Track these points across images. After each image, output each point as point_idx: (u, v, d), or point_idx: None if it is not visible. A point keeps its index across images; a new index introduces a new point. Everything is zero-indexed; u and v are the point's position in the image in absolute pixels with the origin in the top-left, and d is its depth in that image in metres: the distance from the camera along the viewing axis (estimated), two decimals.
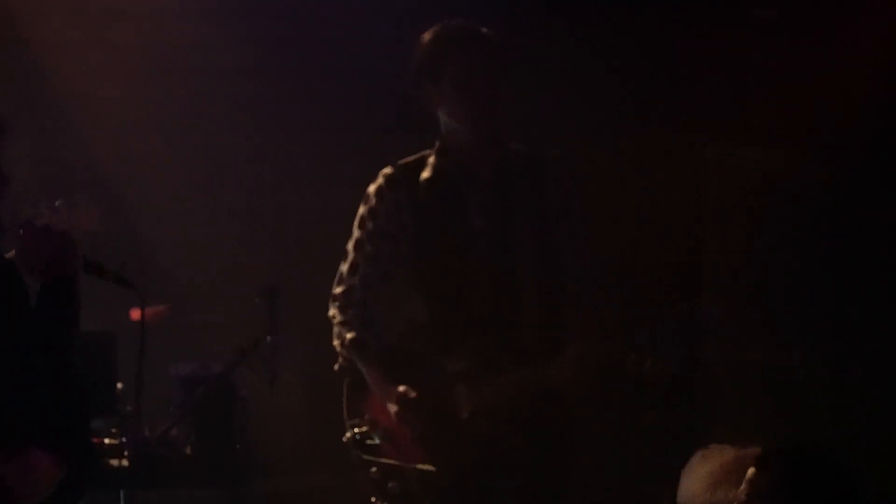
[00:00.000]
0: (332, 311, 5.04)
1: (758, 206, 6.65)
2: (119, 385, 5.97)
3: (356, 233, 5.01)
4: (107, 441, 5.88)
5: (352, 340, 4.96)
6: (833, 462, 3.06)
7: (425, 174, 4.93)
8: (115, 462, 5.81)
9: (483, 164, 4.90)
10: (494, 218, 4.91)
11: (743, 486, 3.02)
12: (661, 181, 6.61)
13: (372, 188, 4.97)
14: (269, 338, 5.64)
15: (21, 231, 3.75)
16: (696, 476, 3.17)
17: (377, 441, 4.90)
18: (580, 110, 6.52)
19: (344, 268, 5.03)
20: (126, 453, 5.81)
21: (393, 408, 4.85)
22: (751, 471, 3.03)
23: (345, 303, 5.01)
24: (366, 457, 4.88)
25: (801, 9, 6.58)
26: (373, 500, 4.86)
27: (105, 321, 5.82)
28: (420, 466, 4.80)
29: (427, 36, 4.93)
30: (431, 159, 4.95)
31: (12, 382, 3.51)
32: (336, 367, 5.06)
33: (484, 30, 4.92)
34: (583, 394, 4.87)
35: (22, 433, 3.51)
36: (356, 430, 4.91)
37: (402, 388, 4.83)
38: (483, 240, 4.90)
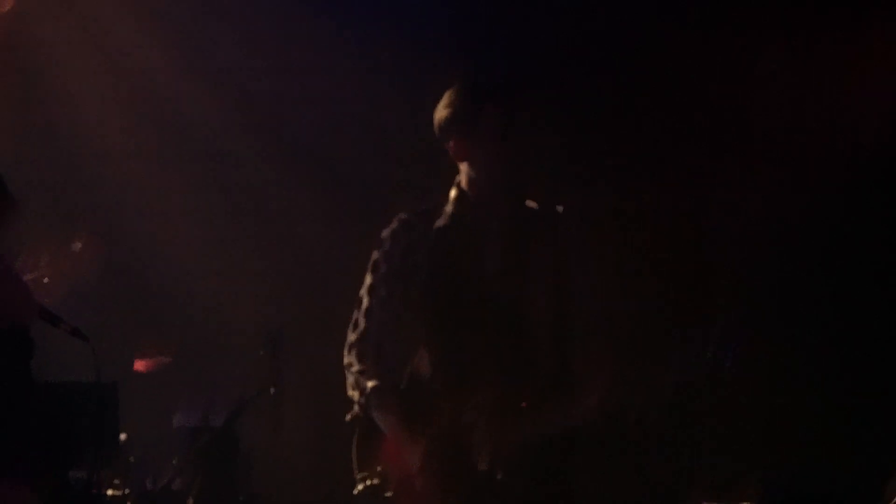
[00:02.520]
0: (349, 360, 4.98)
1: (761, 253, 6.69)
2: (122, 436, 6.01)
3: (369, 278, 4.97)
4: (109, 492, 5.90)
5: (374, 389, 4.87)
6: None
7: (441, 220, 4.93)
8: None
9: (499, 214, 4.91)
10: (509, 264, 4.89)
11: None
12: (668, 230, 6.69)
13: (386, 232, 4.95)
14: (272, 388, 5.57)
15: None
16: None
17: (389, 493, 4.81)
18: (589, 162, 6.61)
19: (358, 315, 4.98)
20: None
21: (414, 459, 4.78)
22: None
23: (362, 350, 4.94)
24: None
25: (805, 62, 6.67)
26: None
27: (107, 372, 5.58)
28: None
29: (460, 90, 4.92)
30: (448, 206, 4.93)
31: None
32: (348, 417, 4.99)
33: (518, 85, 4.95)
34: (602, 438, 4.86)
35: None
36: (368, 481, 4.83)
37: (423, 440, 4.79)
38: (497, 285, 4.88)
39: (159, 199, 7.23)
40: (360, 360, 4.92)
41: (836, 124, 6.62)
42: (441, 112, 4.89)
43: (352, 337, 4.96)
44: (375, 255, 4.94)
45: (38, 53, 7.18)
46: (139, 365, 6.64)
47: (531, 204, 4.94)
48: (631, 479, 6.38)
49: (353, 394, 4.93)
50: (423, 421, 4.84)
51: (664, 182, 6.78)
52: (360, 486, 4.82)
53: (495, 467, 4.75)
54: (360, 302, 4.95)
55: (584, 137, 6.71)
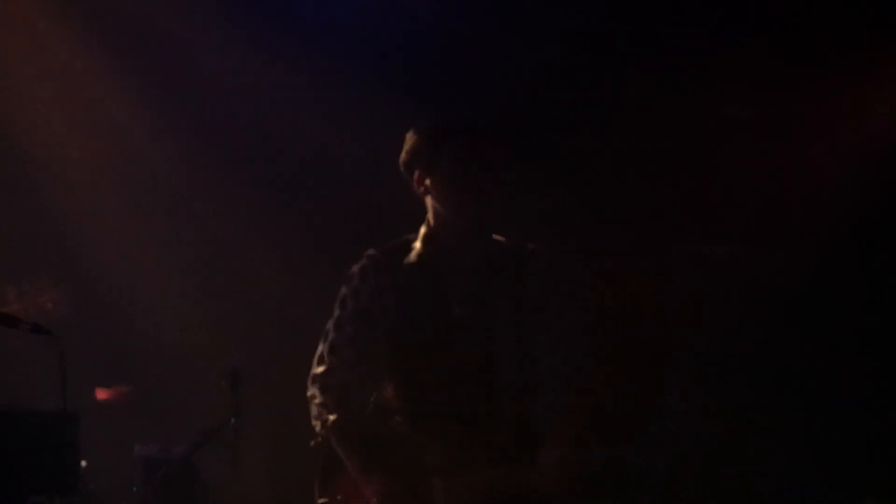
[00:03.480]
0: (312, 392, 4.95)
1: (723, 300, 6.74)
2: (83, 464, 5.94)
3: (337, 311, 4.95)
4: None
5: (334, 423, 4.87)
6: None
7: (409, 259, 4.91)
8: None
9: (467, 254, 4.89)
10: (475, 307, 4.86)
11: None
12: (632, 277, 6.71)
13: (356, 268, 4.94)
14: (232, 420, 5.57)
15: None
16: None
17: None
18: (557, 209, 6.66)
19: (324, 348, 4.96)
20: None
21: (371, 492, 4.75)
22: None
23: (325, 383, 4.92)
24: None
25: (769, 110, 6.74)
26: None
27: (69, 402, 5.50)
28: None
29: (423, 125, 4.93)
30: (417, 244, 4.93)
31: None
32: (312, 443, 4.96)
33: (480, 122, 4.94)
34: (561, 500, 4.74)
35: None
36: None
37: (382, 475, 4.75)
38: (462, 328, 4.85)
39: (125, 239, 7.22)
40: (323, 392, 4.90)
41: (801, 176, 6.66)
42: (405, 149, 4.89)
43: (316, 370, 4.94)
44: (344, 290, 4.92)
45: (7, 100, 7.17)
46: (101, 394, 6.59)
47: (500, 241, 4.93)
48: None
49: (316, 424, 4.91)
50: (384, 455, 4.82)
51: (632, 227, 6.81)
52: None
53: None
54: (327, 336, 4.94)
55: (554, 183, 6.75)
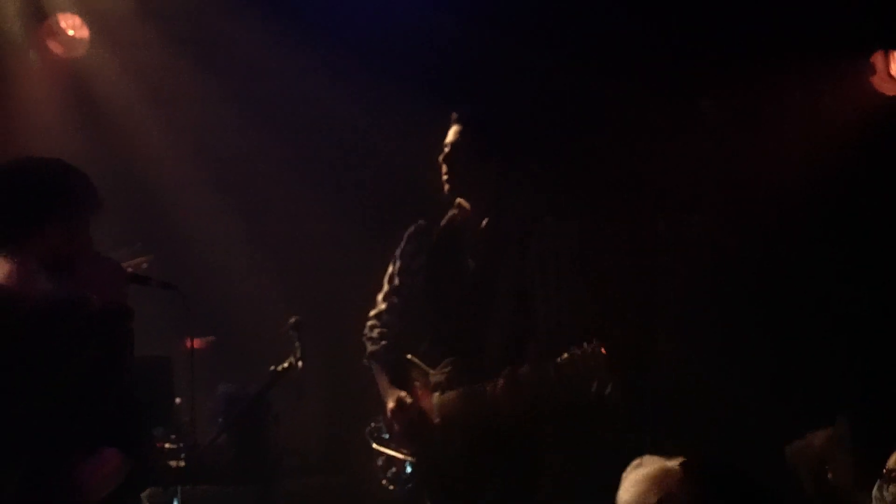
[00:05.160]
0: (365, 330, 5.67)
1: (702, 264, 7.26)
2: (177, 400, 6.49)
3: (390, 268, 5.66)
4: (167, 446, 6.41)
5: (371, 353, 5.61)
6: (748, 477, 3.15)
7: (442, 226, 5.62)
8: (173, 463, 6.35)
9: (481, 219, 5.55)
10: (483, 261, 5.50)
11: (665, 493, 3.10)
12: (621, 245, 7.21)
13: (406, 233, 5.66)
14: (299, 363, 5.84)
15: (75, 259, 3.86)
16: (627, 485, 3.20)
17: (387, 435, 5.54)
18: (559, 191, 7.03)
19: (379, 296, 5.69)
20: (182, 456, 6.35)
21: (390, 406, 5.47)
22: (675, 477, 3.11)
23: (374, 324, 5.65)
24: (375, 446, 5.57)
25: (738, 101, 7.23)
26: (383, 482, 5.53)
27: (163, 348, 6.35)
28: (406, 457, 5.47)
29: (451, 117, 5.62)
30: (449, 215, 5.62)
31: (82, 397, 3.78)
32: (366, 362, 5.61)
33: (469, 115, 5.59)
34: (516, 412, 5.28)
35: (93, 438, 3.80)
36: (374, 423, 5.57)
37: (401, 394, 5.46)
38: (472, 278, 5.50)
39: (209, 213, 7.73)
40: (371, 329, 5.67)
41: (766, 156, 7.14)
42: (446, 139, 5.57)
43: (371, 313, 5.70)
44: (397, 250, 5.67)
45: (108, 100, 7.68)
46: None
47: (510, 216, 5.58)
48: (592, 450, 6.57)
49: (364, 360, 5.64)
50: (402, 376, 5.52)
51: (622, 208, 7.31)
52: (367, 428, 5.61)
53: (444, 422, 5.42)
54: (382, 286, 5.70)
55: (558, 170, 7.16)
